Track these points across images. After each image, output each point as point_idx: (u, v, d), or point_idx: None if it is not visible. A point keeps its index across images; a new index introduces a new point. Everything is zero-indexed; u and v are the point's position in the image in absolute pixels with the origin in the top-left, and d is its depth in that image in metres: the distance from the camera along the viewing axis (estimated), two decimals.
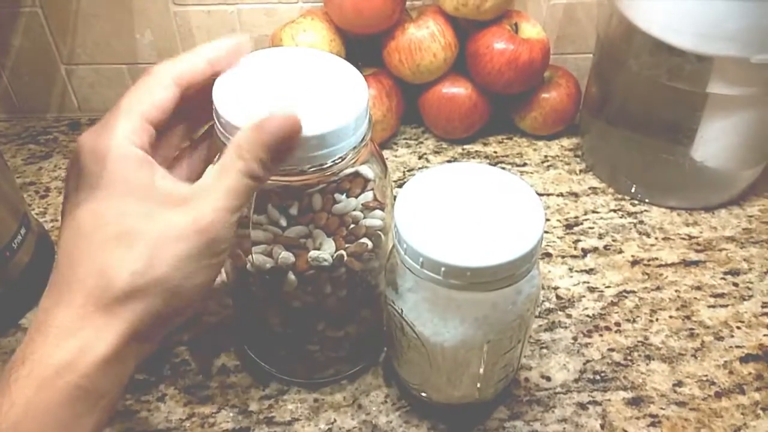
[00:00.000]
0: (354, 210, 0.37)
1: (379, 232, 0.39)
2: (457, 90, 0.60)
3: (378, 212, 0.38)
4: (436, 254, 0.32)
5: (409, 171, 0.62)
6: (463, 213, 0.35)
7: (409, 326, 0.37)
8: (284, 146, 0.30)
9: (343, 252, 0.37)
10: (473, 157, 0.63)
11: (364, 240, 0.37)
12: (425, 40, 0.58)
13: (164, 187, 0.29)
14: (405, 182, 0.58)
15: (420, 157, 0.63)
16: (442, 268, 0.32)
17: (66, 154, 0.65)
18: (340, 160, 0.33)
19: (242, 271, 0.38)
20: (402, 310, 0.37)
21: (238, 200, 0.30)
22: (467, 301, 0.35)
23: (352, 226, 0.37)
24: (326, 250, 0.36)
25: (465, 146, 0.64)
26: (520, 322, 0.37)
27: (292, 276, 0.37)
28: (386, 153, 0.63)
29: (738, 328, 0.48)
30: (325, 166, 0.33)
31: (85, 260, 0.28)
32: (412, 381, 0.42)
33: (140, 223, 0.28)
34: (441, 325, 0.36)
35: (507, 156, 0.63)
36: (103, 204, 0.28)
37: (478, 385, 0.40)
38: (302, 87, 0.34)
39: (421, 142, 0.65)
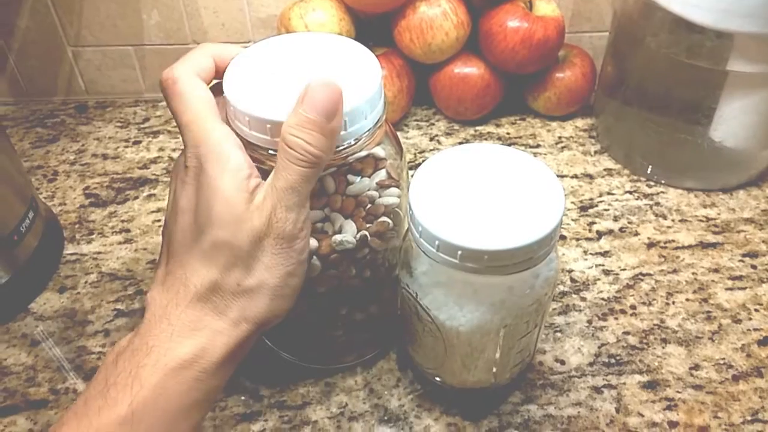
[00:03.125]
0: (369, 190, 0.36)
1: (397, 210, 0.38)
2: (470, 70, 0.59)
3: (394, 190, 0.37)
4: (453, 237, 0.32)
5: (420, 153, 0.61)
6: (479, 195, 0.34)
7: (424, 310, 0.36)
8: (331, 117, 0.30)
9: (365, 232, 0.36)
10: (485, 139, 0.62)
11: (384, 218, 0.37)
12: (437, 18, 0.56)
13: (246, 192, 0.31)
14: (417, 164, 0.58)
15: (431, 139, 0.62)
16: (459, 252, 0.32)
17: (73, 137, 0.64)
18: (355, 142, 0.33)
19: None
20: (417, 295, 0.36)
21: (295, 195, 0.31)
22: (484, 285, 0.35)
23: (369, 206, 0.36)
24: (348, 233, 0.36)
25: (477, 127, 0.63)
26: (537, 306, 0.36)
27: (316, 261, 0.36)
28: (398, 135, 0.63)
29: (756, 311, 0.47)
30: (341, 148, 0.33)
31: (195, 265, 0.31)
32: (426, 365, 0.41)
33: (232, 231, 0.31)
34: (456, 310, 0.35)
35: (520, 137, 0.62)
36: (203, 215, 0.31)
37: (494, 370, 0.39)
38: (316, 71, 0.33)
39: (433, 124, 0.64)
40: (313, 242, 0.35)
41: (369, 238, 0.36)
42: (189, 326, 0.31)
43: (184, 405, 0.30)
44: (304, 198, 0.31)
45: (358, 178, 0.36)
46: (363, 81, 0.33)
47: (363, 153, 0.35)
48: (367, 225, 0.37)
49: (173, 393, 0.30)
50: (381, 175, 0.37)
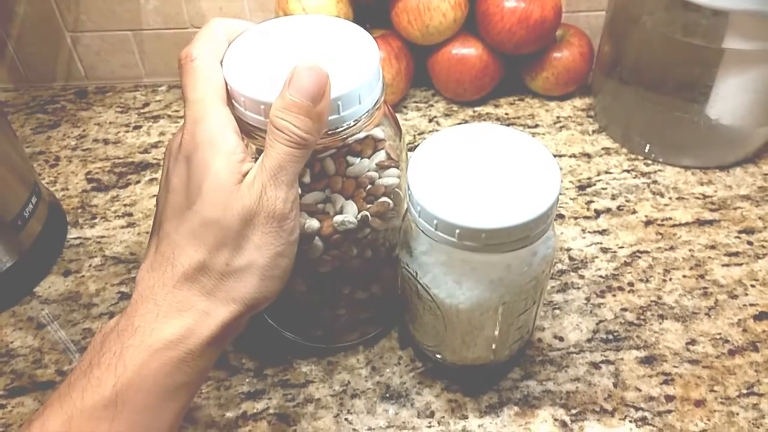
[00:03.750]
0: (368, 171, 0.37)
1: (397, 190, 0.39)
2: (468, 51, 0.59)
3: (393, 170, 0.38)
4: (451, 216, 0.32)
5: (419, 134, 0.61)
6: (477, 174, 0.34)
7: (424, 289, 0.37)
8: (318, 100, 0.30)
9: (366, 213, 0.37)
10: (484, 119, 0.62)
11: (384, 199, 0.37)
12: None
13: (239, 174, 0.31)
14: (416, 145, 0.59)
15: (430, 120, 0.62)
16: (457, 230, 0.32)
17: (74, 123, 0.65)
18: (354, 123, 0.33)
19: None
20: (417, 273, 0.37)
21: (284, 174, 0.31)
22: (482, 263, 0.35)
23: (369, 186, 0.37)
24: (350, 213, 0.36)
25: (476, 108, 0.63)
26: (535, 283, 0.37)
27: (318, 242, 0.37)
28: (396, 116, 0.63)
29: (752, 286, 0.48)
30: (339, 130, 0.33)
31: (184, 244, 0.31)
32: (426, 343, 0.42)
33: (221, 210, 0.30)
34: (456, 288, 0.36)
35: (519, 117, 0.63)
36: (194, 193, 0.31)
37: (493, 347, 0.40)
38: (314, 53, 0.34)
39: (431, 105, 0.64)
40: (315, 223, 0.36)
41: (370, 218, 0.37)
42: (176, 306, 0.30)
43: (169, 386, 0.30)
44: (293, 177, 0.31)
45: (358, 159, 0.37)
46: (361, 63, 0.33)
47: (362, 134, 0.36)
48: (368, 205, 0.37)
49: (158, 374, 0.29)
50: (380, 156, 0.37)
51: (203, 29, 0.34)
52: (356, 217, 0.36)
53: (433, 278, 0.37)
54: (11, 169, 0.49)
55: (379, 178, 0.37)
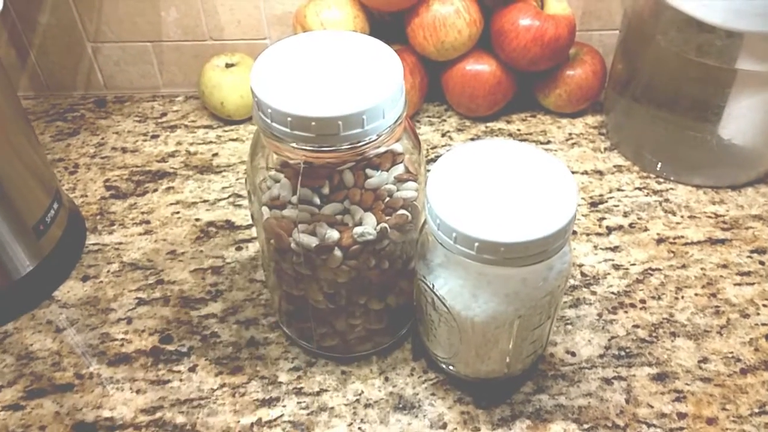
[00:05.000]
0: (387, 184, 0.37)
1: (415, 203, 0.39)
2: (482, 67, 0.60)
3: (411, 183, 0.38)
4: (470, 230, 0.33)
5: (432, 149, 0.62)
6: (495, 189, 0.35)
7: (440, 301, 0.38)
8: None
9: (385, 225, 0.37)
10: (496, 135, 0.63)
11: (403, 211, 0.38)
12: (450, 16, 0.57)
13: None
14: (429, 159, 0.59)
15: (443, 135, 0.63)
16: (476, 244, 0.33)
17: (93, 131, 0.66)
18: (377, 137, 0.34)
19: (285, 251, 0.39)
20: (433, 285, 0.38)
21: None
22: (498, 277, 0.36)
23: (387, 199, 0.38)
24: (369, 225, 0.37)
25: (488, 124, 0.64)
26: (550, 298, 0.37)
27: (338, 252, 0.37)
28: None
29: (764, 306, 0.48)
30: (361, 144, 0.34)
31: None
32: (440, 355, 0.43)
33: None
34: (472, 300, 0.37)
35: (531, 134, 0.63)
36: None
37: (507, 360, 0.40)
38: (339, 68, 0.35)
39: (444, 120, 0.65)
40: (335, 233, 0.37)
41: (389, 230, 0.38)
42: None
43: None
44: None
45: (377, 172, 0.37)
46: (384, 79, 0.34)
47: (382, 149, 0.36)
48: (386, 217, 0.38)
49: None
50: (399, 169, 0.38)
51: None
52: (375, 229, 0.37)
53: (449, 290, 0.37)
54: (35, 176, 0.50)
55: (398, 191, 0.38)
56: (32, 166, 0.50)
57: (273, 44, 0.37)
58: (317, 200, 0.37)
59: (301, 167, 0.36)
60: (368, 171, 0.37)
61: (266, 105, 0.33)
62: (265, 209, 0.39)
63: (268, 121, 0.33)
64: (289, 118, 0.32)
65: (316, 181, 0.36)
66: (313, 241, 0.37)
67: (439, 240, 0.35)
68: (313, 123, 0.32)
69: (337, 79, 0.34)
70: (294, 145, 0.34)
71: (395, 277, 0.42)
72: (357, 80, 0.34)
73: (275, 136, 0.34)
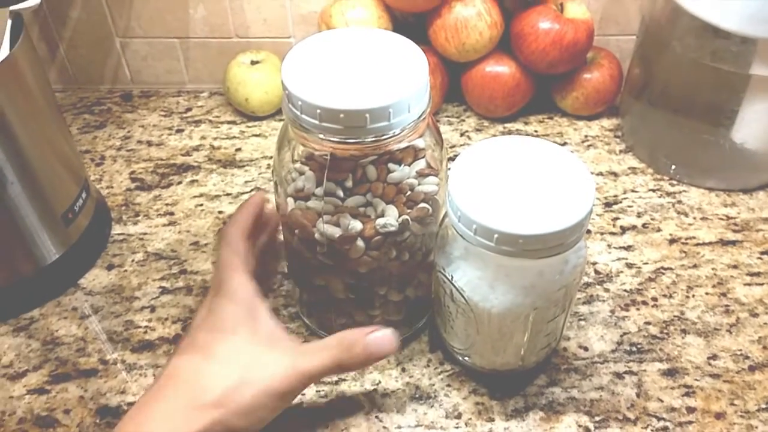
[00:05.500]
0: (408, 178, 0.39)
1: (436, 197, 0.40)
2: (501, 69, 0.61)
3: (432, 178, 0.40)
4: (489, 222, 0.34)
5: (451, 147, 0.63)
6: (514, 183, 0.36)
7: (459, 292, 0.39)
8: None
9: (407, 217, 0.39)
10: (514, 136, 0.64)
11: (424, 205, 0.39)
12: (472, 18, 0.59)
13: (269, 328, 0.38)
14: (448, 158, 0.61)
15: (462, 135, 0.64)
16: (495, 235, 0.34)
17: (119, 124, 0.67)
18: (401, 131, 0.35)
19: (309, 241, 0.40)
20: (452, 277, 0.39)
21: (319, 375, 0.38)
22: (516, 269, 0.37)
23: (408, 193, 0.39)
24: (391, 216, 0.38)
25: (506, 124, 0.65)
26: (565, 291, 0.38)
27: (360, 243, 0.39)
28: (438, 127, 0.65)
29: None
30: (386, 137, 0.35)
31: (193, 369, 0.37)
32: (457, 346, 0.44)
33: (244, 354, 0.37)
34: (489, 292, 0.38)
35: (548, 135, 0.64)
36: (218, 335, 0.37)
37: (522, 353, 0.42)
38: (366, 63, 0.36)
39: (463, 120, 0.66)
40: (358, 224, 0.38)
41: (410, 222, 0.39)
42: (169, 415, 0.35)
43: None
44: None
45: (399, 167, 0.39)
46: (412, 74, 0.35)
47: (404, 144, 0.38)
48: (408, 210, 0.39)
49: None
50: (420, 164, 0.39)
51: (242, 207, 0.42)
52: (397, 221, 0.38)
53: (467, 282, 0.38)
54: (65, 165, 0.52)
55: (419, 185, 0.39)
56: (63, 155, 0.52)
57: (302, 40, 0.38)
58: (341, 193, 0.38)
59: (328, 159, 0.37)
60: (390, 165, 0.39)
61: (297, 97, 0.34)
62: (290, 200, 0.40)
63: (298, 113, 0.35)
64: (318, 110, 0.34)
65: (340, 174, 0.38)
66: (336, 232, 0.38)
67: (459, 232, 0.36)
68: (342, 115, 0.34)
69: (364, 74, 0.36)
70: (321, 136, 0.35)
71: (415, 269, 0.43)
72: (383, 75, 0.35)
73: (303, 128, 0.35)
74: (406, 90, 0.34)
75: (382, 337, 0.37)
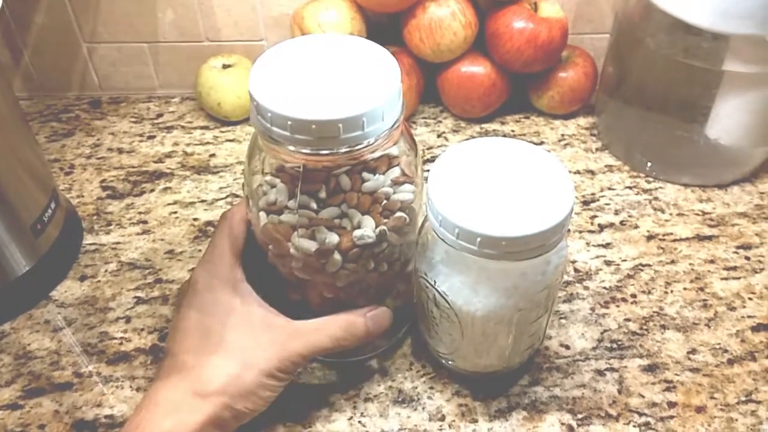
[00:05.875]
0: (383, 187, 0.38)
1: (412, 205, 0.40)
2: (477, 69, 0.61)
3: (407, 186, 0.39)
4: (472, 225, 0.34)
5: (428, 149, 0.63)
6: (494, 185, 0.36)
7: (442, 296, 0.38)
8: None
9: (384, 227, 0.38)
10: (491, 136, 0.64)
11: (401, 214, 0.39)
12: (446, 18, 0.58)
13: (261, 312, 0.39)
14: (424, 160, 0.60)
15: (439, 136, 0.64)
16: (478, 239, 0.34)
17: (89, 132, 0.66)
18: (374, 140, 0.34)
19: (284, 256, 0.39)
20: (435, 282, 0.38)
21: (318, 353, 0.39)
22: (498, 271, 0.37)
23: (384, 202, 0.38)
24: (368, 227, 0.37)
25: (483, 125, 0.65)
26: (548, 292, 0.38)
27: (337, 256, 0.37)
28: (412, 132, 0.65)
29: (750, 299, 0.50)
30: (359, 147, 0.34)
31: (195, 357, 0.38)
32: (441, 351, 0.43)
33: (241, 340, 0.38)
34: (473, 295, 0.38)
35: (524, 135, 0.65)
36: (213, 319, 0.39)
37: (507, 354, 0.41)
38: (337, 71, 0.35)
39: (440, 121, 0.66)
40: (335, 237, 0.37)
41: (387, 232, 0.38)
42: (174, 404, 0.37)
43: None
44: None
45: (373, 176, 0.37)
46: (384, 82, 0.34)
47: (378, 153, 0.37)
48: (384, 220, 0.38)
49: None
50: (395, 172, 0.38)
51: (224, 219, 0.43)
52: (375, 232, 0.37)
53: (450, 286, 0.38)
54: (32, 175, 0.50)
55: (394, 193, 0.38)
56: (30, 165, 0.50)
57: (270, 47, 0.37)
58: (314, 205, 0.37)
59: (301, 171, 0.36)
60: (365, 174, 0.37)
61: (266, 108, 0.33)
62: (262, 215, 0.39)
63: (267, 124, 0.34)
64: (289, 122, 0.33)
65: (313, 186, 0.36)
66: (312, 246, 0.37)
67: (441, 236, 0.36)
68: (314, 126, 0.33)
69: (336, 82, 0.34)
70: (292, 148, 0.34)
71: (393, 280, 0.43)
72: (355, 83, 0.34)
73: (273, 140, 0.34)
74: (379, 98, 0.33)
75: (381, 314, 0.41)
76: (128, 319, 0.49)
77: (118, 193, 0.59)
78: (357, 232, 0.37)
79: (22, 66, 0.67)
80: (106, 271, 0.53)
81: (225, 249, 0.41)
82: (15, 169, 0.48)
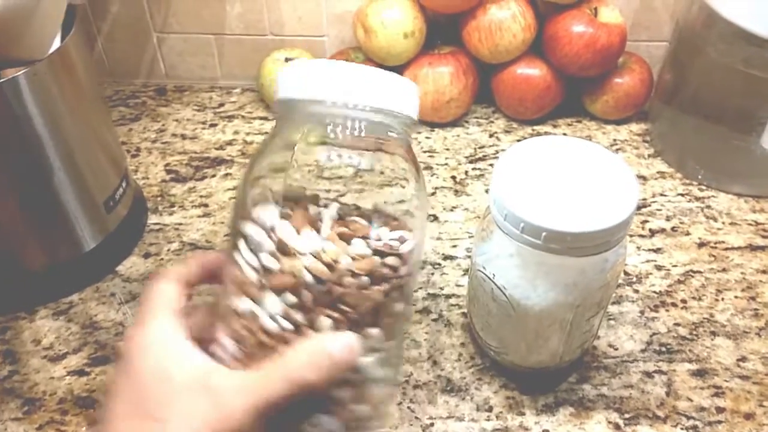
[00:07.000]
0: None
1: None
2: (532, 71, 0.62)
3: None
4: (537, 220, 0.35)
5: (480, 148, 0.64)
6: (559, 183, 0.37)
7: (500, 290, 0.39)
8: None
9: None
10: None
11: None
12: (506, 20, 0.60)
13: (200, 370, 0.30)
14: (476, 158, 0.62)
15: (491, 136, 0.65)
16: (543, 233, 0.35)
17: (154, 118, 0.69)
18: None
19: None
20: (493, 275, 0.40)
21: (282, 402, 0.29)
22: (557, 267, 0.38)
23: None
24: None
25: (535, 127, 0.66)
26: (604, 290, 0.39)
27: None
28: (458, 130, 0.66)
29: None
30: None
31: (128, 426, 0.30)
32: (493, 345, 0.44)
33: (182, 409, 0.29)
34: (531, 290, 0.39)
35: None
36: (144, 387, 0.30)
37: (560, 351, 0.42)
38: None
39: (492, 122, 0.67)
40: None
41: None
42: None
43: None
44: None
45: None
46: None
47: None
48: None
49: None
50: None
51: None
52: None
53: (508, 281, 0.39)
54: (107, 155, 0.53)
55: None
56: (106, 145, 0.53)
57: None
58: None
59: None
60: None
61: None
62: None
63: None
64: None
65: None
66: None
67: (505, 230, 0.37)
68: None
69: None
70: None
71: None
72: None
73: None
74: None
75: (346, 339, 0.29)
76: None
77: (181, 177, 0.62)
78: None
79: (95, 52, 0.70)
80: (168, 249, 0.55)
81: (155, 305, 0.33)
82: (93, 148, 0.51)
